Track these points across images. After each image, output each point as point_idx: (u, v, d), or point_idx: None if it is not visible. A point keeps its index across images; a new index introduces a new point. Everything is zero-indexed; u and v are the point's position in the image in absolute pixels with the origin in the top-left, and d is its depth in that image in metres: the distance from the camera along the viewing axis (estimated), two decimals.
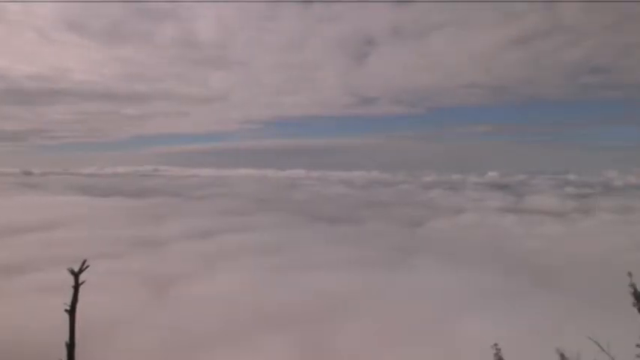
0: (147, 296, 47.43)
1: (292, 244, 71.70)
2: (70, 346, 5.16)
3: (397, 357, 34.19)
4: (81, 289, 5.31)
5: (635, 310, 4.52)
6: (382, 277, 52.90)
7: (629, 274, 4.56)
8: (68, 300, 5.13)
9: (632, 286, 4.51)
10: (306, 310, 42.97)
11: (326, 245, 71.41)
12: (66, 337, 5.15)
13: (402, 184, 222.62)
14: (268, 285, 50.10)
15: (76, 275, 5.26)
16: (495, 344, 5.31)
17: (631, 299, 4.55)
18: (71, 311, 5.21)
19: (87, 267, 5.39)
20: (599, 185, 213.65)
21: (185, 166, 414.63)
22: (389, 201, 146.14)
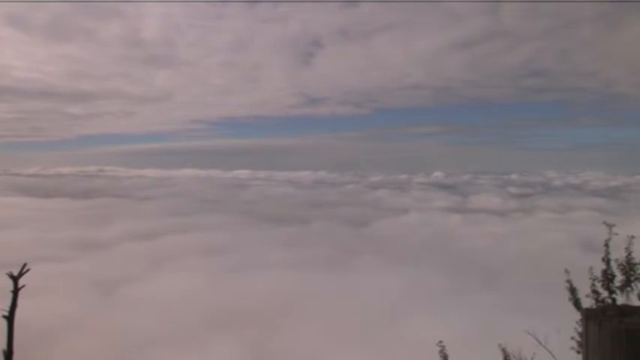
0: (91, 299, 46.71)
1: (238, 244, 71.37)
2: (8, 354, 5.04)
3: (344, 357, 34.35)
4: (20, 293, 5.19)
5: (571, 304, 4.66)
6: (328, 277, 53.03)
7: (566, 271, 4.70)
8: (6, 305, 5.01)
9: (569, 282, 4.66)
10: (253, 311, 42.83)
11: (272, 245, 71.20)
12: (3, 345, 5.03)
13: (349, 184, 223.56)
14: (215, 286, 49.78)
15: (15, 279, 5.13)
16: (440, 342, 5.39)
17: (567, 294, 4.69)
18: (9, 317, 5.09)
19: (27, 270, 5.26)
20: (539, 185, 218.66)
21: (130, 167, 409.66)
22: (335, 201, 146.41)
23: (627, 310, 4.32)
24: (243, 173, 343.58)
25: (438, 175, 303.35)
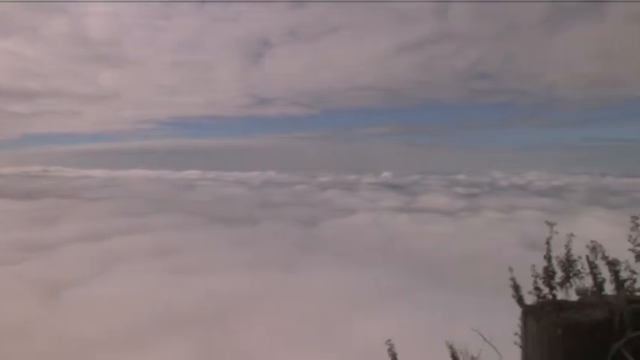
0: (37, 302, 45.76)
1: (189, 245, 70.84)
2: None
3: (295, 357, 34.41)
4: None
5: (515, 301, 4.82)
6: (279, 278, 53.09)
7: (510, 269, 4.84)
8: None
9: (512, 279, 4.79)
10: (204, 312, 42.67)
11: (222, 246, 70.99)
12: None
13: (298, 184, 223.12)
14: (165, 287, 49.34)
15: None
16: (389, 340, 5.45)
17: (511, 292, 4.83)
18: None
19: None
20: (485, 185, 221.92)
21: (76, 167, 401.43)
22: (285, 201, 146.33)
23: (564, 306, 4.52)
24: (192, 173, 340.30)
25: (386, 175, 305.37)
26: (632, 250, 4.50)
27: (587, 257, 4.65)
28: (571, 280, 4.70)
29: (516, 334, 4.74)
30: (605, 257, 4.58)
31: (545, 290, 4.72)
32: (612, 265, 4.53)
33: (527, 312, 4.60)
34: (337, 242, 78.82)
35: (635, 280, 4.47)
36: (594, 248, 4.64)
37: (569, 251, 4.71)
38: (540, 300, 4.67)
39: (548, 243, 4.74)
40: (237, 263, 59.36)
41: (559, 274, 4.72)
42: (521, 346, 4.67)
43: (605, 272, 4.64)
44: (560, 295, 4.71)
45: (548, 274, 4.71)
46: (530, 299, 4.77)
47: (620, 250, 4.59)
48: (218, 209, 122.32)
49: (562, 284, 4.71)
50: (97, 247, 68.18)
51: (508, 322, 4.83)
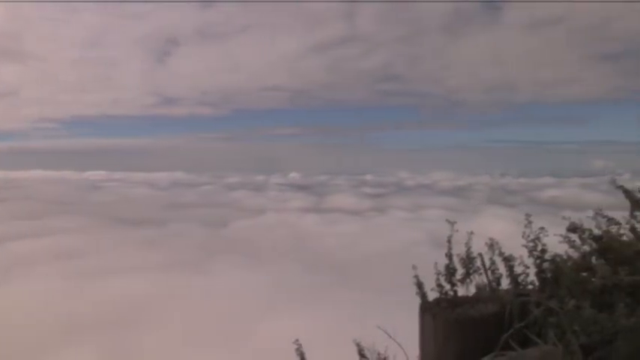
0: None
1: (94, 248, 69.01)
2: None
3: (204, 358, 34.19)
4: None
5: (419, 298, 5.00)
6: (187, 279, 52.52)
7: (413, 267, 5.01)
8: None
9: (416, 277, 4.96)
10: (109, 317, 41.72)
11: (129, 248, 69.60)
12: None
13: (206, 185, 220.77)
14: (68, 292, 47.90)
15: None
16: (296, 340, 5.52)
17: (415, 289, 5.00)
18: None
19: None
20: (392, 185, 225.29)
21: None
22: (193, 202, 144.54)
23: (459, 301, 4.74)
24: (97, 174, 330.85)
25: (295, 175, 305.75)
26: (526, 246, 4.78)
27: (480, 255, 4.91)
28: (471, 277, 4.94)
29: None
30: (501, 254, 4.84)
31: (447, 287, 4.93)
32: (507, 260, 4.79)
33: (424, 309, 4.79)
34: (246, 243, 78.53)
35: (527, 275, 4.75)
36: (492, 245, 4.89)
37: (469, 249, 4.93)
38: (443, 296, 4.88)
39: (449, 241, 4.96)
40: (144, 265, 58.31)
41: (460, 271, 4.94)
42: (419, 342, 4.86)
43: (502, 268, 4.90)
44: (462, 291, 4.93)
45: (450, 272, 4.92)
46: (434, 296, 4.95)
47: (516, 247, 4.85)
48: (124, 210, 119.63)
49: (463, 281, 4.93)
50: None
51: (414, 319, 4.99)
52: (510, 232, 5.62)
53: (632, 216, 5.16)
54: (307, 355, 5.51)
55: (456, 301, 4.75)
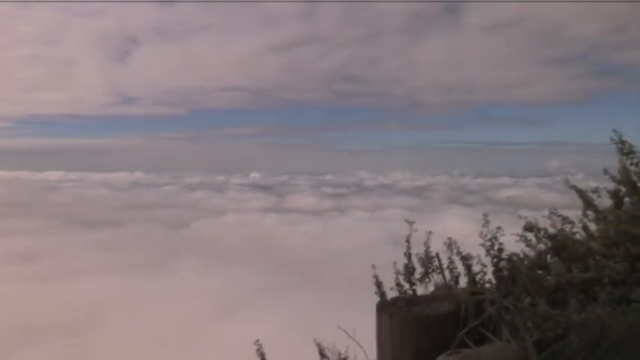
0: None
1: (50, 250, 68.06)
2: None
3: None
4: None
5: (378, 297, 5.05)
6: (147, 281, 52.11)
7: (373, 267, 5.06)
8: None
9: (375, 277, 5.02)
10: (65, 320, 41.19)
11: (87, 250, 68.80)
12: None
13: (166, 185, 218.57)
14: (24, 295, 47.15)
15: None
16: (257, 340, 5.52)
17: (375, 289, 5.05)
18: None
19: None
20: (353, 185, 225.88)
21: None
22: (152, 203, 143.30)
23: (416, 300, 4.81)
24: (54, 175, 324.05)
25: (255, 176, 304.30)
26: (483, 245, 4.88)
27: (437, 254, 5.00)
28: (430, 276, 5.02)
29: None
30: (459, 253, 4.93)
31: (406, 286, 4.99)
32: (465, 259, 4.89)
33: (381, 308, 4.85)
34: (206, 243, 78.25)
35: (485, 273, 4.85)
36: (450, 245, 4.98)
37: (427, 248, 5.01)
38: (402, 295, 4.94)
39: (407, 241, 5.03)
40: (101, 267, 57.71)
41: (419, 270, 5.01)
42: (376, 341, 4.91)
43: (460, 267, 4.99)
44: (421, 290, 5.00)
45: (408, 271, 4.99)
46: (393, 295, 5.01)
47: (474, 246, 4.95)
48: (82, 212, 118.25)
49: (421, 280, 5.00)
50: None
51: (374, 319, 5.04)
52: (469, 232, 5.74)
53: (585, 215, 5.32)
54: (268, 356, 5.51)
55: (412, 300, 4.82)
